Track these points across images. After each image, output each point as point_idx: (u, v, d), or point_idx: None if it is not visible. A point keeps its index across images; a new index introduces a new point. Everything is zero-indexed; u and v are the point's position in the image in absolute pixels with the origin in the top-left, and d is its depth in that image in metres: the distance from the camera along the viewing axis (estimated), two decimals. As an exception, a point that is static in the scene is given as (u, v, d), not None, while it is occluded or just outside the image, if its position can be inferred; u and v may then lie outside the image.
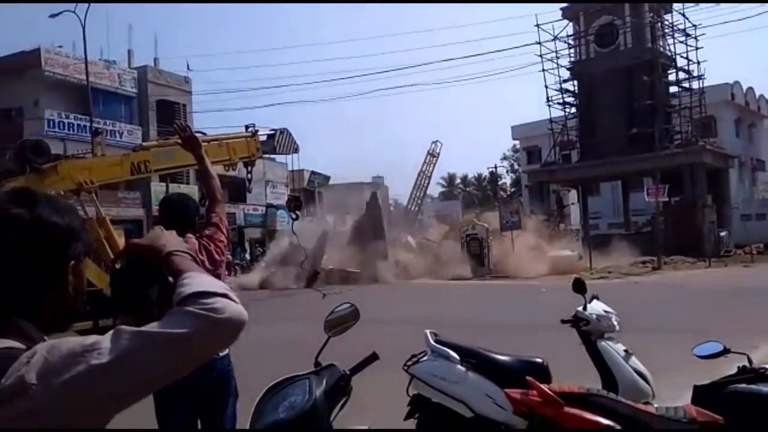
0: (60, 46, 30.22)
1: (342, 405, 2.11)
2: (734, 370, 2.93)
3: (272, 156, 17.59)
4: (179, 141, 3.41)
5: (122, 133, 30.48)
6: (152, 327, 0.96)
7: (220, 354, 3.05)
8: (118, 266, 1.26)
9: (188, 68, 47.69)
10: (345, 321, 2.44)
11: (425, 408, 3.96)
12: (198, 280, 1.06)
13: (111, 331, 0.95)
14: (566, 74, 36.99)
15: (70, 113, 28.64)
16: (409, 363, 4.00)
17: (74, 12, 26.14)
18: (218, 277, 3.10)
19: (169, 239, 1.24)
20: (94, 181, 10.45)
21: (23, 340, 1.00)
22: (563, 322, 4.02)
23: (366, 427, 2.09)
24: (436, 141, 39.12)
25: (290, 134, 13.96)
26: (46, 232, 1.07)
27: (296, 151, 14.05)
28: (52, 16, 26.77)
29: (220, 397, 3.02)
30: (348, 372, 2.17)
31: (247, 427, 1.94)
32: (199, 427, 3.00)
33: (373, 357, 2.27)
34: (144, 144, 11.79)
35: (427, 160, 38.65)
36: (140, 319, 1.03)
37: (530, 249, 24.39)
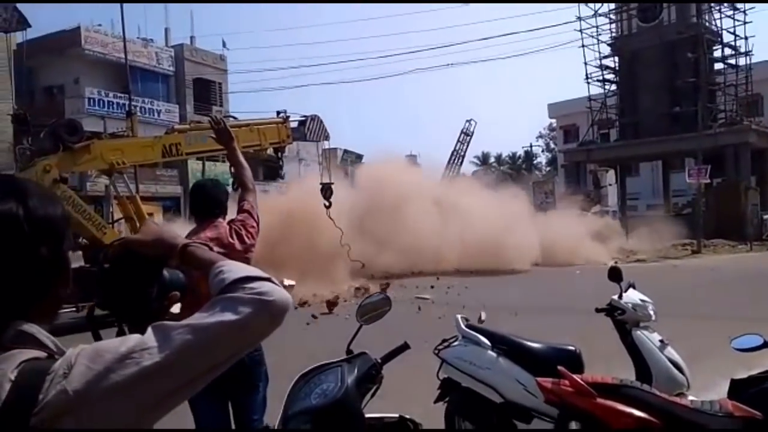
0: (99, 25, 30.75)
1: (373, 393, 2.14)
2: (774, 364, 2.86)
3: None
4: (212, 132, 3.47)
5: (160, 111, 30.98)
6: (200, 318, 0.93)
7: None
8: (107, 265, 1.16)
9: (224, 46, 48.09)
10: (377, 308, 2.47)
11: (455, 392, 3.98)
12: (236, 267, 1.03)
13: (150, 329, 0.92)
14: (606, 50, 36.00)
15: (109, 91, 29.21)
16: (439, 347, 4.02)
17: (113, -9, 26.48)
18: (248, 261, 3.16)
19: (170, 232, 1.19)
20: (126, 162, 10.61)
21: (37, 347, 0.94)
22: (597, 310, 3.97)
23: (397, 415, 2.11)
24: (471, 119, 38.79)
25: (321, 121, 13.97)
26: (44, 228, 0.98)
27: (327, 138, 14.06)
28: (92, -5, 27.17)
29: (250, 382, 3.07)
30: (379, 360, 2.19)
31: (280, 413, 1.99)
32: (230, 411, 3.07)
33: (405, 346, 2.29)
34: (176, 127, 11.90)
35: (461, 139, 38.36)
36: (137, 322, 1.00)
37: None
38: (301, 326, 9.26)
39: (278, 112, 13.29)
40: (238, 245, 3.09)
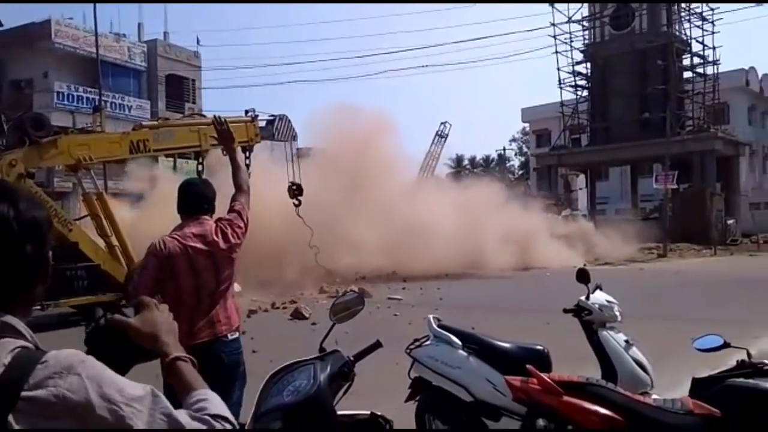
0: (70, 18, 30.09)
1: (345, 390, 2.17)
2: (733, 364, 2.96)
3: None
4: (213, 129, 3.54)
5: (131, 107, 30.46)
6: (183, 416, 1.02)
7: (230, 337, 3.11)
8: (100, 323, 1.23)
9: (198, 43, 47.46)
10: (350, 307, 2.49)
11: (426, 391, 4.03)
12: (216, 402, 1.14)
13: (150, 394, 1.01)
14: (579, 57, 36.64)
15: (79, 86, 28.62)
16: (411, 346, 4.06)
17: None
18: (232, 261, 3.17)
19: (169, 332, 1.23)
20: (93, 157, 10.38)
21: (19, 337, 1.02)
22: (566, 311, 4.05)
23: (368, 412, 2.14)
24: (445, 122, 38.97)
25: (289, 121, 14.04)
26: (31, 229, 1.06)
27: (294, 138, 14.07)
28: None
29: (227, 381, 3.06)
30: (351, 358, 2.22)
31: (252, 410, 2.00)
32: None
33: (377, 344, 2.32)
34: (144, 123, 11.67)
35: (435, 141, 38.53)
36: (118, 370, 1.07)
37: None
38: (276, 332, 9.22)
39: (246, 111, 13.22)
40: (222, 243, 3.09)
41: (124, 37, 32.43)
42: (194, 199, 3.18)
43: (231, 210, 3.28)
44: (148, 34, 34.56)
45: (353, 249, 15.92)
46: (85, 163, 10.28)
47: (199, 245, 3.04)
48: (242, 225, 3.23)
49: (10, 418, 0.91)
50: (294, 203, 13.16)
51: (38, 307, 8.80)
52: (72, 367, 0.96)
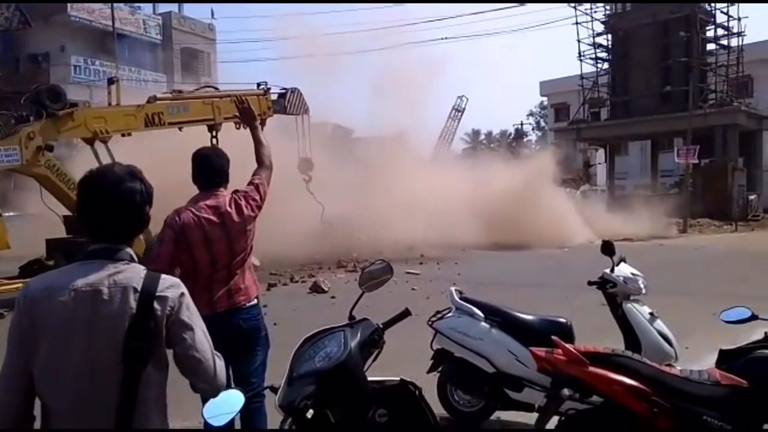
0: (86, -9, 30.05)
1: (375, 357, 2.19)
2: (760, 336, 2.94)
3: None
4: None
5: (147, 81, 30.51)
6: (211, 345, 1.76)
7: (247, 304, 3.16)
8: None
9: (212, 16, 47.23)
10: (377, 276, 2.50)
11: (448, 362, 4.06)
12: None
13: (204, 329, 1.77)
14: (600, 28, 35.84)
15: (95, 59, 28.68)
16: (433, 318, 4.09)
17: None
18: (246, 234, 3.18)
19: None
20: (109, 130, 10.39)
21: (134, 262, 1.75)
22: (590, 283, 4.04)
23: (398, 378, 2.16)
24: (462, 96, 38.51)
25: (301, 94, 13.78)
26: (147, 196, 1.78)
27: (306, 111, 13.86)
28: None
29: (248, 347, 3.13)
30: (381, 326, 2.23)
31: (285, 373, 2.03)
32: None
33: (406, 313, 2.33)
34: (158, 95, 11.59)
35: (451, 116, 38.15)
36: None
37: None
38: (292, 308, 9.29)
39: (258, 84, 13.12)
40: (235, 216, 3.11)
41: (139, 9, 32.33)
42: (207, 171, 3.21)
43: (250, 182, 3.31)
44: (163, 7, 34.45)
45: (370, 224, 15.95)
46: (102, 136, 10.30)
47: (211, 217, 3.08)
48: (257, 198, 3.24)
49: (155, 303, 1.64)
50: (304, 178, 13.16)
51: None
52: (179, 284, 1.74)
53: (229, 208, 3.11)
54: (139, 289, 1.63)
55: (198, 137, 11.42)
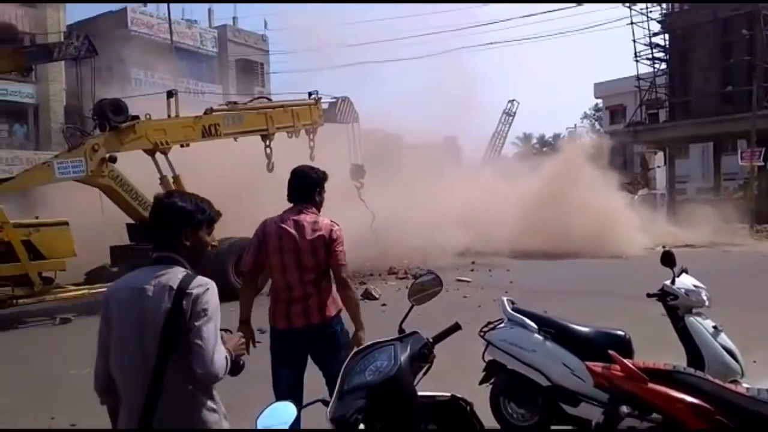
0: (145, 6, 31.30)
1: (425, 371, 2.17)
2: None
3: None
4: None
5: (204, 93, 31.46)
6: (217, 338, 1.99)
7: (329, 316, 3.34)
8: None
9: (265, 27, 48.33)
10: (427, 288, 2.49)
11: (500, 374, 3.99)
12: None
13: (216, 318, 2.02)
14: (656, 27, 34.70)
15: (154, 72, 29.77)
16: (485, 329, 4.02)
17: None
18: (315, 252, 3.27)
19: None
20: (169, 141, 10.76)
21: (180, 264, 2.07)
22: (649, 296, 3.89)
23: (449, 394, 2.13)
24: (513, 100, 38.01)
25: (351, 103, 14.01)
26: (183, 212, 2.09)
27: (356, 120, 14.05)
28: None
29: (332, 352, 3.28)
30: (431, 340, 2.21)
31: (336, 386, 2.03)
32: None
33: (456, 327, 2.30)
34: (214, 108, 11.99)
35: (502, 120, 37.71)
36: None
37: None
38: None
39: (310, 93, 13.38)
40: (308, 234, 3.28)
41: (195, 23, 33.41)
42: (295, 187, 3.44)
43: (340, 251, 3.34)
44: (218, 20, 35.48)
45: (419, 231, 15.90)
46: (162, 147, 10.66)
47: (289, 228, 3.30)
48: (338, 247, 3.32)
49: (183, 299, 1.94)
50: (356, 185, 13.25)
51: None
52: (208, 283, 2.01)
53: (305, 224, 3.30)
54: (174, 287, 1.96)
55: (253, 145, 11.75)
